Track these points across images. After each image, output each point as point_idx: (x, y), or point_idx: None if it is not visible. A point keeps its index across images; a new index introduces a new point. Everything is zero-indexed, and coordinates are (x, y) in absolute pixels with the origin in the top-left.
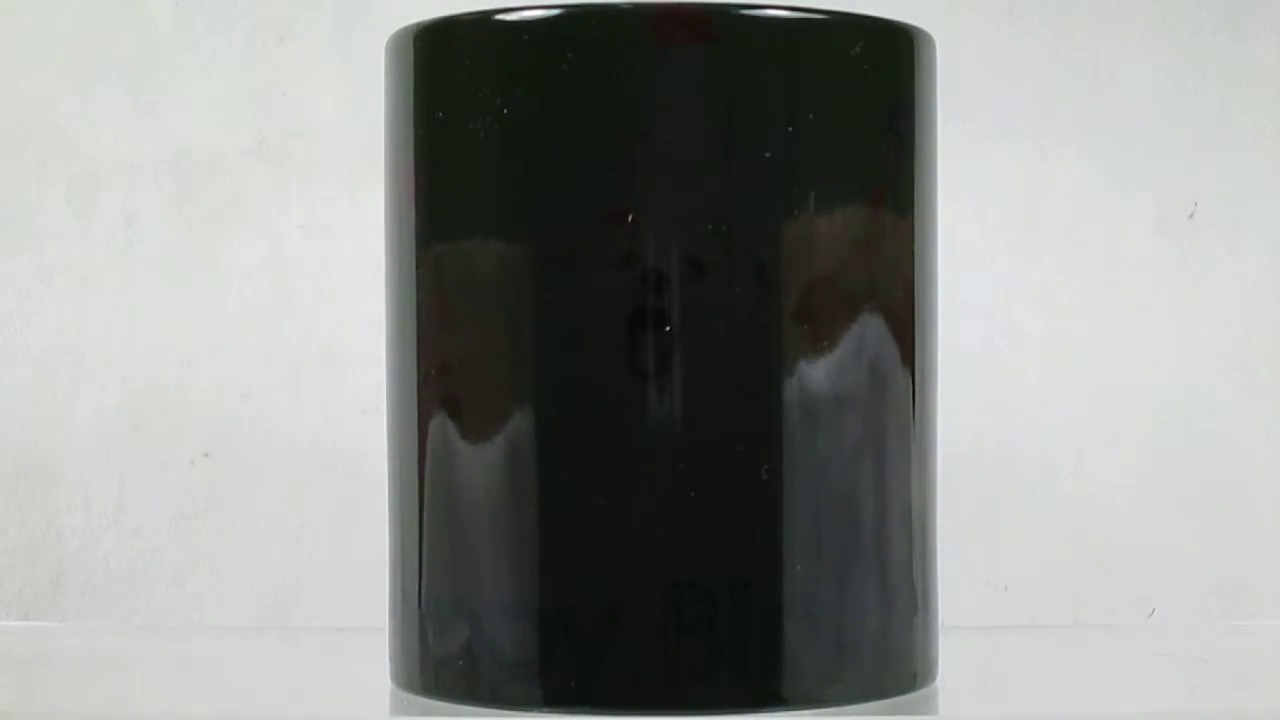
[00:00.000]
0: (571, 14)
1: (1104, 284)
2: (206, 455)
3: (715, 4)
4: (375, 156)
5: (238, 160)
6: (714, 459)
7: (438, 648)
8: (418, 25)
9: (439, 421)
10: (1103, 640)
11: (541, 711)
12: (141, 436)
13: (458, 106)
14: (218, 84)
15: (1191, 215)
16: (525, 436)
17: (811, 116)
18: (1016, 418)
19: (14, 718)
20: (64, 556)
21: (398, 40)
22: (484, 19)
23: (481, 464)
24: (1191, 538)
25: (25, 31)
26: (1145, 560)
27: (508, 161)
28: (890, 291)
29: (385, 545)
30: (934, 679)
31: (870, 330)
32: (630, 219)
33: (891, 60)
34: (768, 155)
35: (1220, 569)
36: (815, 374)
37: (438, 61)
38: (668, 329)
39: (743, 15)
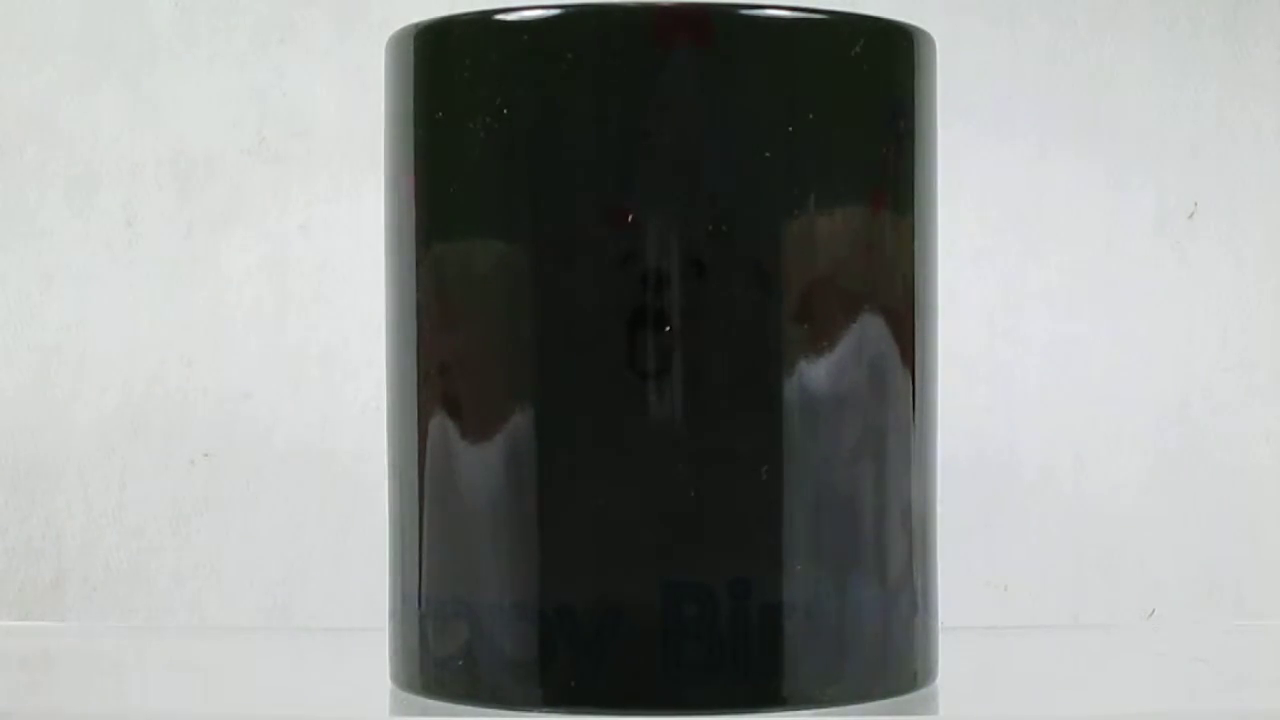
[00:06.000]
0: (571, 14)
1: (1104, 284)
2: (206, 455)
3: (715, 4)
4: (375, 156)
5: (238, 160)
6: (714, 459)
7: (438, 648)
8: (418, 25)
9: (439, 421)
10: (1103, 640)
11: (541, 711)
12: (141, 436)
13: (458, 106)
14: (218, 84)
15: (1191, 215)
16: (525, 436)
17: (811, 116)
18: (1016, 418)
19: (14, 718)
20: (64, 556)
21: (398, 40)
22: (484, 19)
23: (481, 464)
24: (1191, 538)
25: (25, 31)
26: (1145, 560)
27: (508, 161)
28: (890, 291)
29: (385, 545)
30: (934, 679)
31: (870, 330)
32: (630, 219)
33: (891, 60)
34: (768, 155)
35: (1220, 569)
36: (815, 374)
37: (438, 61)
38: (668, 329)
39: (743, 15)
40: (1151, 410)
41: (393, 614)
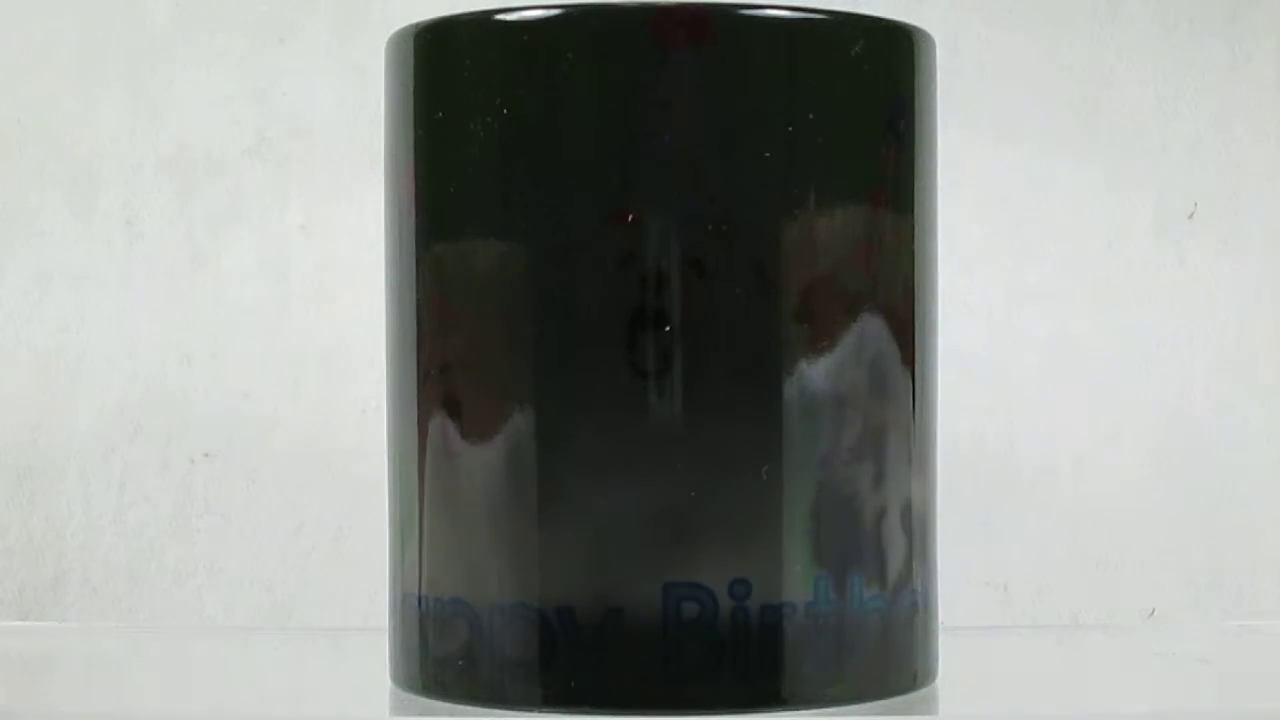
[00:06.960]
0: (571, 14)
1: (1104, 284)
2: (206, 455)
3: (715, 4)
4: (375, 157)
5: (238, 160)
6: (714, 459)
7: (438, 648)
8: (418, 25)
9: (439, 421)
10: (1103, 640)
11: (541, 711)
12: (141, 436)
13: (458, 106)
14: (218, 84)
15: (1191, 215)
16: (525, 436)
17: (811, 116)
18: (1016, 418)
19: (14, 718)
20: (64, 556)
21: (398, 40)
22: (484, 19)
23: (481, 464)
24: (1191, 538)
25: (25, 31)
26: (1145, 560)
27: (508, 161)
28: (890, 291)
29: (385, 545)
30: (934, 679)
31: (870, 330)
32: (630, 219)
33: (891, 60)
34: (767, 155)
35: (1220, 569)
36: (815, 374)
37: (438, 61)
38: (668, 329)
39: (743, 15)
40: (1151, 410)
41: (393, 614)
